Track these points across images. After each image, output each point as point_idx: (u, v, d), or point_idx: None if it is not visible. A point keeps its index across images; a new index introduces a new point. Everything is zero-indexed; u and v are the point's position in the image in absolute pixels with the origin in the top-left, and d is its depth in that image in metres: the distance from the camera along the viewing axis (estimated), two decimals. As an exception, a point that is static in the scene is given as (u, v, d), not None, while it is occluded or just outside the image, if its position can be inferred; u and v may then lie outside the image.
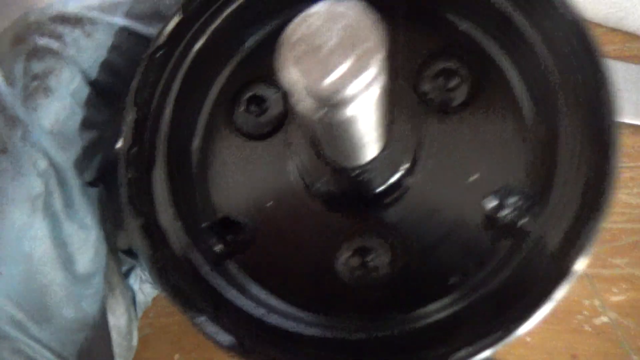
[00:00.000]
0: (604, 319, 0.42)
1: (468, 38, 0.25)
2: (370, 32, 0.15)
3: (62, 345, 0.26)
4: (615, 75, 0.49)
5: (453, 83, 0.25)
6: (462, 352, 0.18)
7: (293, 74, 0.15)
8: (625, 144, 0.45)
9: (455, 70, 0.25)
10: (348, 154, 0.21)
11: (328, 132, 0.19)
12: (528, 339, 0.42)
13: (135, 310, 0.38)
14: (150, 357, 0.45)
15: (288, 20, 0.16)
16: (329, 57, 0.15)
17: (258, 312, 0.21)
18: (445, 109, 0.25)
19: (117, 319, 0.34)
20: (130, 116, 0.23)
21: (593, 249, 0.19)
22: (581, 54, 0.21)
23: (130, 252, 0.39)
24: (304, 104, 0.17)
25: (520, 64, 0.24)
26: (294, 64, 0.15)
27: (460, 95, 0.25)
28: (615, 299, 0.42)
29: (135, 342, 0.37)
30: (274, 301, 0.22)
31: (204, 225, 0.25)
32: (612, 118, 0.20)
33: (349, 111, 0.16)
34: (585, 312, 0.42)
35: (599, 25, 0.48)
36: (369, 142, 0.21)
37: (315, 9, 0.16)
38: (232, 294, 0.22)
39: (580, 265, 0.19)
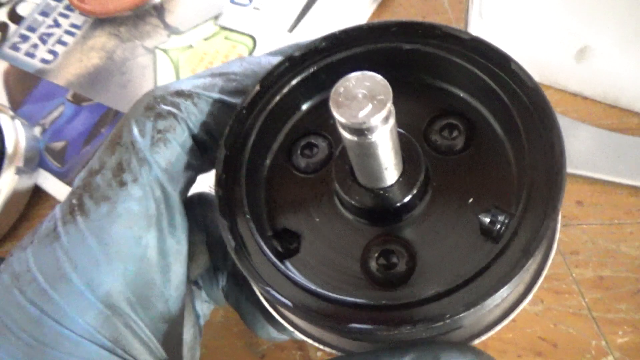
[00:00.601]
0: (610, 358, 0.46)
1: (464, 102, 0.35)
2: (383, 89, 0.25)
3: (155, 329, 0.34)
4: (613, 144, 0.57)
5: (454, 134, 0.35)
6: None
7: (338, 113, 0.25)
8: (626, 203, 0.52)
9: (456, 125, 0.34)
10: (375, 177, 0.30)
11: (360, 157, 0.28)
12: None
13: (200, 328, 0.46)
14: (205, 374, 0.52)
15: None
16: (358, 103, 0.25)
17: (310, 287, 0.29)
18: (449, 152, 0.34)
19: (186, 332, 0.42)
20: (222, 154, 0.34)
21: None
22: (540, 111, 0.30)
23: (196, 283, 0.47)
24: (345, 132, 0.26)
25: (501, 120, 0.33)
26: (338, 107, 0.25)
27: (460, 142, 0.34)
28: (620, 340, 0.46)
29: (198, 356, 0.45)
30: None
31: (269, 234, 0.34)
32: (561, 161, 0.28)
33: (373, 137, 0.26)
34: (593, 352, 0.46)
35: (599, 102, 0.56)
36: (389, 168, 0.30)
37: (351, 75, 0.26)
38: (290, 274, 0.30)
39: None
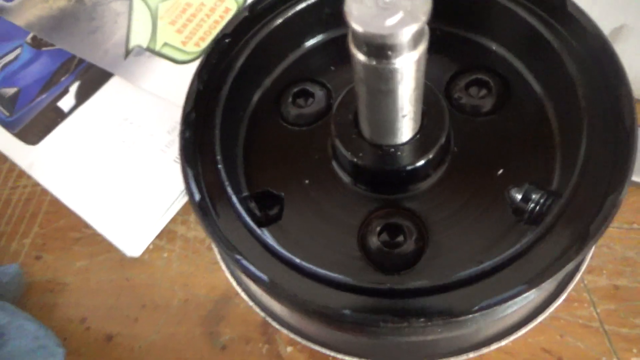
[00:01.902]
0: (624, 378, 0.41)
1: (497, 56, 0.29)
2: (421, -5, 0.19)
3: None
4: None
5: (483, 92, 0.28)
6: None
7: (354, 18, 0.18)
8: (646, 207, 0.47)
9: (486, 81, 0.28)
10: (387, 128, 0.24)
11: (373, 95, 0.22)
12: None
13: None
14: (152, 365, 0.45)
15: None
16: (384, 8, 0.18)
17: (295, 260, 0.22)
18: (475, 114, 0.28)
19: None
20: (194, 87, 0.27)
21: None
22: (607, 70, 0.24)
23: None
24: (359, 53, 0.20)
25: (546, 80, 0.27)
26: (355, 10, 0.18)
27: (489, 103, 0.28)
28: (634, 359, 0.41)
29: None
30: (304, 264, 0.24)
31: (245, 194, 0.27)
32: (633, 127, 0.22)
33: (397, 62, 0.19)
34: (605, 369, 0.41)
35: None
36: (407, 117, 0.23)
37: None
38: (270, 243, 0.23)
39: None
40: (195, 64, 0.57)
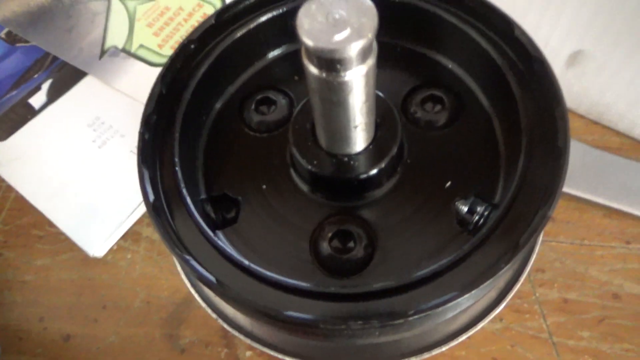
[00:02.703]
0: (568, 388, 0.42)
1: (451, 74, 0.30)
2: (367, 12, 0.20)
3: None
4: (593, 161, 0.54)
5: (437, 108, 0.30)
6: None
7: (305, 34, 0.19)
8: (599, 224, 0.49)
9: (440, 97, 0.30)
10: (341, 137, 0.25)
11: (327, 105, 0.23)
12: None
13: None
14: (111, 366, 0.44)
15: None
16: (334, 25, 0.19)
17: (244, 262, 0.23)
18: (429, 128, 0.29)
19: None
20: (156, 90, 0.27)
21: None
22: (546, 91, 0.25)
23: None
24: (311, 66, 0.21)
25: (494, 98, 0.29)
26: (306, 26, 0.19)
27: (442, 118, 0.29)
28: (581, 370, 0.43)
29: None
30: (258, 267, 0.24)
31: (202, 197, 0.28)
32: (565, 147, 0.24)
33: (347, 75, 0.21)
34: (551, 380, 0.42)
35: (582, 117, 0.53)
36: (359, 127, 0.24)
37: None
38: (221, 245, 0.24)
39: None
40: (170, 68, 0.59)
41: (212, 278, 0.22)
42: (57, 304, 0.47)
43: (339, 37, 0.19)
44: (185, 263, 0.22)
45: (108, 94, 0.57)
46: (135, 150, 0.53)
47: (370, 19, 0.20)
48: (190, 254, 0.23)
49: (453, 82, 0.30)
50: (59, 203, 0.50)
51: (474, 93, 0.30)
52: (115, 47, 0.61)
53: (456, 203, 0.27)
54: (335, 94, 0.22)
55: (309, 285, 0.22)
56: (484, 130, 0.29)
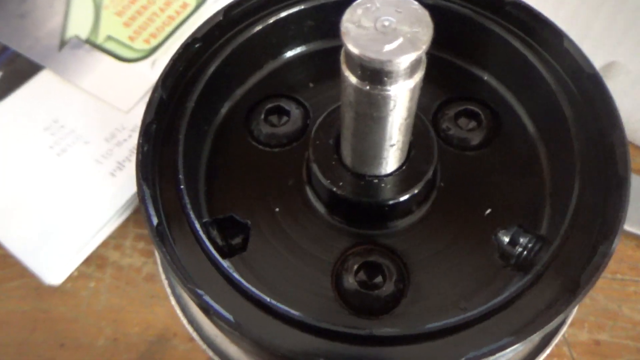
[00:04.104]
0: None
1: (488, 87, 0.31)
2: (422, 21, 0.20)
3: None
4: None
5: (472, 125, 0.30)
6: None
7: (351, 41, 0.20)
8: (631, 256, 0.50)
9: (476, 113, 0.30)
10: (372, 157, 0.25)
11: (362, 121, 0.23)
12: None
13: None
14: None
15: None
16: (383, 33, 0.20)
17: (265, 299, 0.23)
18: (463, 147, 0.30)
19: None
20: (157, 96, 0.27)
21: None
22: (601, 113, 0.26)
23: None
24: (351, 76, 0.21)
25: (538, 117, 0.30)
26: (352, 33, 0.20)
27: (478, 137, 0.30)
28: (614, 420, 0.44)
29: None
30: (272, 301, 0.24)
31: (205, 219, 0.28)
32: (626, 171, 0.25)
33: (392, 89, 0.21)
34: None
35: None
36: (395, 146, 0.25)
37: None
38: (236, 277, 0.24)
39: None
40: (144, 63, 0.58)
41: (230, 317, 0.22)
42: (4, 340, 0.46)
43: (389, 47, 0.20)
44: (198, 299, 0.22)
45: (69, 92, 0.56)
46: (101, 160, 0.52)
47: (424, 28, 0.20)
48: (199, 287, 0.23)
49: (489, 97, 0.31)
50: (8, 221, 0.49)
51: (514, 109, 0.31)
52: (78, 38, 0.61)
53: (497, 234, 0.27)
54: (376, 109, 0.22)
55: (338, 326, 0.22)
56: (526, 153, 0.29)
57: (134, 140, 0.51)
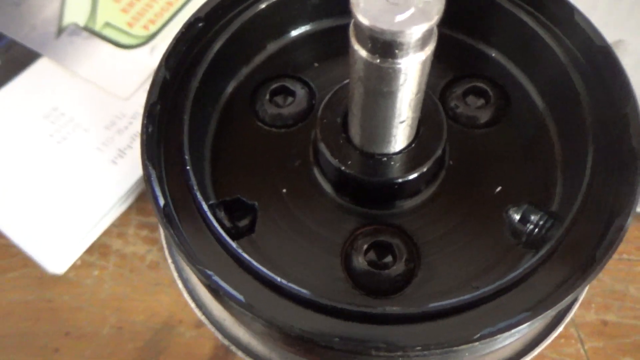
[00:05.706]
0: (611, 422, 0.43)
1: (496, 64, 0.31)
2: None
3: None
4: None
5: (480, 102, 0.30)
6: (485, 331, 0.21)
7: (363, 10, 0.19)
8: (638, 236, 0.50)
9: (484, 90, 0.30)
10: (381, 134, 0.25)
11: (371, 96, 0.23)
12: None
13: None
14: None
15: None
16: (397, 1, 0.19)
17: (276, 279, 0.23)
18: (472, 125, 0.30)
19: None
20: (160, 76, 0.27)
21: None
22: (613, 86, 0.26)
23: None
24: (361, 49, 0.21)
25: (548, 92, 0.29)
26: (365, 5, 0.19)
27: (487, 114, 0.30)
28: (622, 400, 0.44)
29: None
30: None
31: (212, 201, 0.27)
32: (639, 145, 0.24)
33: (403, 62, 0.21)
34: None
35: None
36: (405, 123, 0.24)
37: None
38: (246, 258, 0.23)
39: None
40: (143, 50, 0.58)
41: (240, 297, 0.21)
42: (9, 331, 0.45)
43: (401, 17, 0.19)
44: (208, 279, 0.22)
45: (67, 80, 0.56)
46: (101, 148, 0.52)
47: (436, -1, 0.20)
48: (208, 267, 0.22)
49: (497, 74, 0.31)
50: (9, 210, 0.48)
51: (523, 85, 0.30)
52: (76, 25, 0.60)
53: (508, 211, 0.27)
54: (386, 84, 0.22)
55: (352, 306, 0.22)
56: (536, 129, 0.29)
57: (134, 127, 0.51)
